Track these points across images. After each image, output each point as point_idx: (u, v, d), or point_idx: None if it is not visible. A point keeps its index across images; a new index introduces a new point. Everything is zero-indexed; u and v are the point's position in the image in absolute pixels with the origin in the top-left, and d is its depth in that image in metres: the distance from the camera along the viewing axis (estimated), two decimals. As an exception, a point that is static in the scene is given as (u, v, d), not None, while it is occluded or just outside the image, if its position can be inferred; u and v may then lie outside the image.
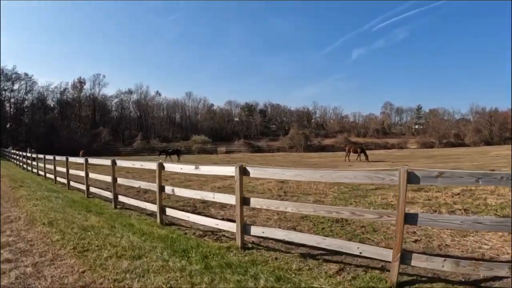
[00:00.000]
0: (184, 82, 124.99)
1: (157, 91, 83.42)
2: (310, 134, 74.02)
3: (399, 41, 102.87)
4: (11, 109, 69.12)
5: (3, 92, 67.20)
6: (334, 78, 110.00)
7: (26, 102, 69.87)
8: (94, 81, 75.99)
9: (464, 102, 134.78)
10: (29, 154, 20.05)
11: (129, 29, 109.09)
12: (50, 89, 71.73)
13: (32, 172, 17.37)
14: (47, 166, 14.54)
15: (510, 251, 3.87)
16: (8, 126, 68.90)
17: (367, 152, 27.09)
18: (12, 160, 29.16)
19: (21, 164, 22.41)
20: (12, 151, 31.66)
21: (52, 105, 73.61)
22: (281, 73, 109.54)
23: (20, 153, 22.87)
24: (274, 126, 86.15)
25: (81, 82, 75.09)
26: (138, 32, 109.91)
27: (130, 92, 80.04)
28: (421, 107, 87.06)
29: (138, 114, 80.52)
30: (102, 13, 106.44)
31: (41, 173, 15.49)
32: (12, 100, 68.92)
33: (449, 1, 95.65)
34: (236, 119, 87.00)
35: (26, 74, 68.09)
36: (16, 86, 68.17)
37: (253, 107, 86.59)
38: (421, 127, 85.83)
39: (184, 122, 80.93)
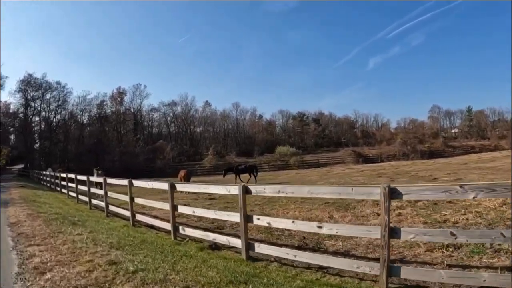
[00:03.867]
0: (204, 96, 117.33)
1: (207, 101, 74.25)
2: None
3: (415, 46, 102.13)
4: (42, 124, 56.56)
5: (32, 103, 54.79)
6: (355, 88, 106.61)
7: (59, 115, 57.54)
8: (134, 92, 65.32)
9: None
10: (99, 179, 11.99)
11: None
12: (87, 101, 59.98)
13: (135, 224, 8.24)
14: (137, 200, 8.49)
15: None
16: (37, 144, 56.20)
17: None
18: (59, 188, 18.78)
19: (77, 195, 13.79)
20: (55, 173, 21.21)
21: (88, 120, 61.59)
22: (297, 85, 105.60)
23: (79, 178, 13.70)
24: (327, 135, 79.76)
25: (121, 93, 64.08)
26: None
27: (174, 103, 69.98)
28: (471, 108, 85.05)
29: (184, 128, 70.33)
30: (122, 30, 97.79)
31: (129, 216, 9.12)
32: (43, 113, 56.43)
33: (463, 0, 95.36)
34: (279, 129, 79.58)
35: (58, 83, 56.25)
36: (47, 97, 56.01)
37: (306, 116, 79.83)
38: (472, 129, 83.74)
39: (239, 135, 71.94)
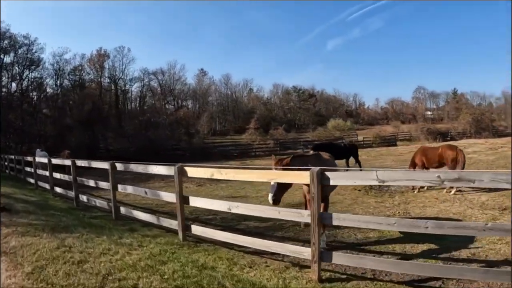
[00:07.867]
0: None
1: (202, 69, 66.45)
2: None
3: (375, 30, 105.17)
4: (2, 90, 44.33)
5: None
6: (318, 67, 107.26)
7: (26, 80, 45.63)
8: (115, 57, 54.73)
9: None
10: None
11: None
12: (63, 61, 48.76)
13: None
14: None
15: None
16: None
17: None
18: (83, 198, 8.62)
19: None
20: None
21: (59, 86, 49.92)
22: (258, 65, 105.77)
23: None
24: (321, 113, 76.35)
25: (102, 55, 53.31)
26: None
27: (161, 72, 60.47)
28: (457, 91, 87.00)
29: (172, 101, 61.60)
30: None
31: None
32: (4, 77, 44.20)
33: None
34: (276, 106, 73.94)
35: (26, 37, 44.10)
36: (11, 56, 43.93)
37: (302, 91, 75.33)
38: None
39: (238, 110, 65.37)
